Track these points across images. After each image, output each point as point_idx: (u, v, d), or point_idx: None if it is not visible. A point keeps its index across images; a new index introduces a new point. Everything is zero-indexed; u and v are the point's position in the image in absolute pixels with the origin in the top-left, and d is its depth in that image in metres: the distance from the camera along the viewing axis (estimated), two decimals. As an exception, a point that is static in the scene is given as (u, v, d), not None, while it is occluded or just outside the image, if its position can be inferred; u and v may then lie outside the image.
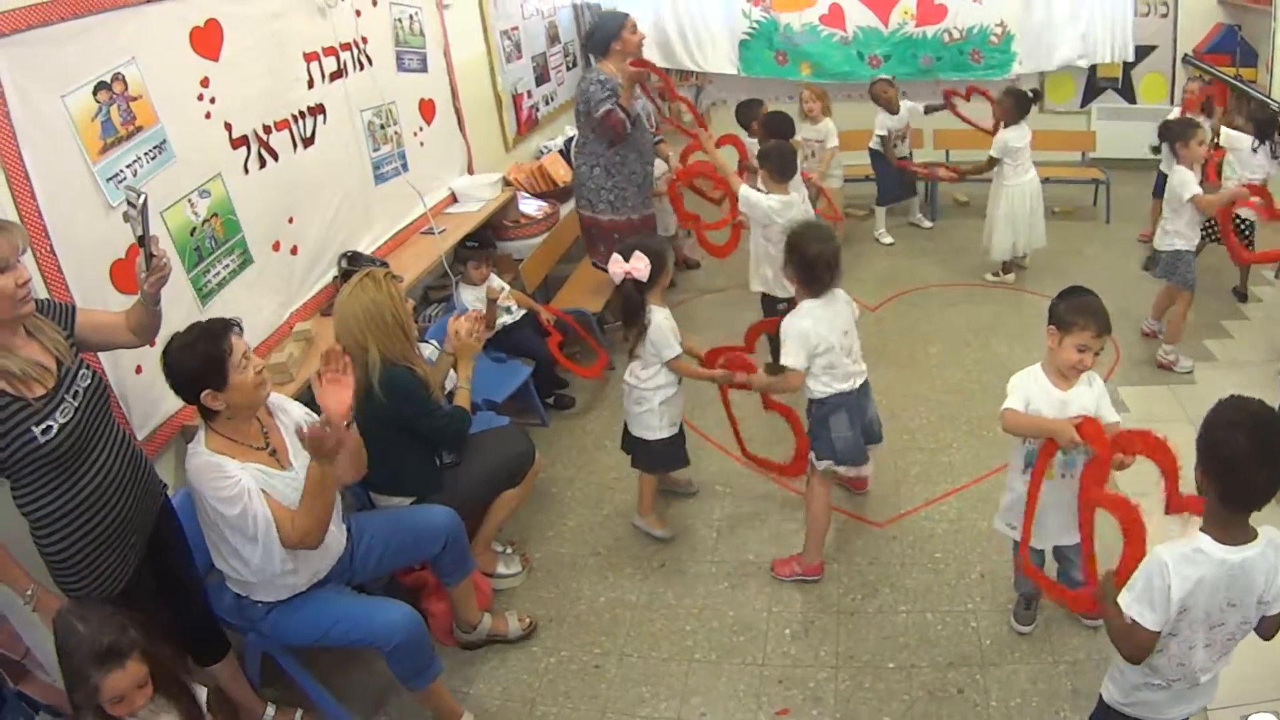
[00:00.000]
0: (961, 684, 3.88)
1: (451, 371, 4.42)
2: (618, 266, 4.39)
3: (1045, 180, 8.68)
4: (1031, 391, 3.60)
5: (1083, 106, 10.68)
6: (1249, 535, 2.57)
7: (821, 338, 4.18)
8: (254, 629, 3.58)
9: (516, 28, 7.97)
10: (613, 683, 3.96)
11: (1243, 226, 6.86)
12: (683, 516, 5.00)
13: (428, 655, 3.55)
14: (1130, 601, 2.64)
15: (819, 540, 4.53)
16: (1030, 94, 7.94)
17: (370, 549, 3.80)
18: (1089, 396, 3.61)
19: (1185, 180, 5.99)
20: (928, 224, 9.24)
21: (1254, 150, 6.89)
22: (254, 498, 3.21)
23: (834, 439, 4.32)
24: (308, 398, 4.25)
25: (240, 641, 3.77)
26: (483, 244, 5.84)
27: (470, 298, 5.65)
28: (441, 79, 6.60)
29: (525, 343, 5.81)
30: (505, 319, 5.76)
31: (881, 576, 4.51)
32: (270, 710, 3.81)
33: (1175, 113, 7.67)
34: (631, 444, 4.78)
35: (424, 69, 6.34)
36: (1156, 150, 6.85)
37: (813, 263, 4.20)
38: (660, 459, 4.78)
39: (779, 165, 5.61)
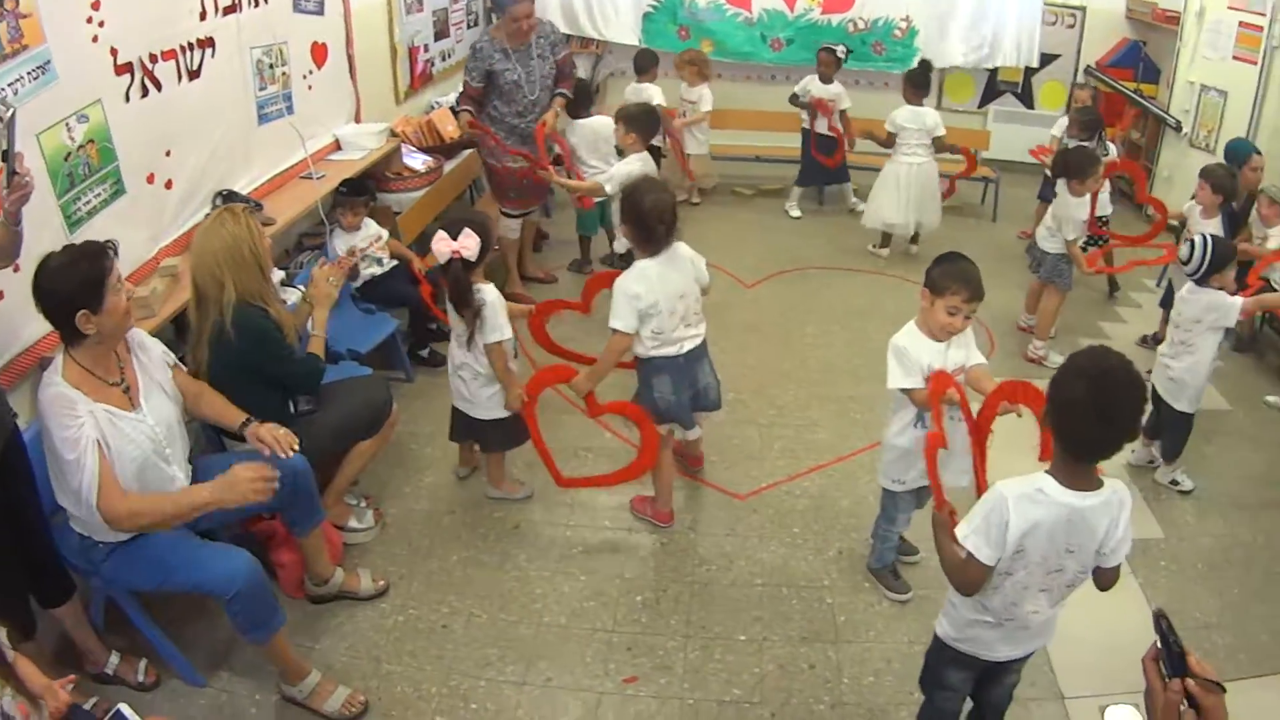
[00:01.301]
0: (814, 660, 3.87)
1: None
2: (443, 245, 4.13)
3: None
4: (919, 352, 3.68)
5: (981, 107, 10.87)
6: (1094, 484, 2.59)
7: (653, 301, 4.13)
8: (96, 572, 3.39)
9: None
10: (460, 643, 3.86)
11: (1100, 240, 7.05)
12: (539, 479, 4.83)
13: (269, 607, 3.39)
14: (968, 533, 2.66)
15: (666, 492, 4.63)
16: (923, 65, 8.19)
17: (216, 494, 3.67)
18: (962, 350, 3.76)
19: (1076, 221, 6.11)
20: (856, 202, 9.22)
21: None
22: (89, 452, 3.07)
23: (655, 398, 4.34)
24: (168, 336, 4.14)
25: (86, 586, 3.61)
26: (357, 191, 5.64)
27: (343, 245, 5.49)
28: (337, 23, 6.41)
29: (397, 291, 5.65)
30: (375, 270, 5.62)
31: (739, 549, 4.48)
32: (114, 658, 3.62)
33: (1063, 122, 7.83)
34: (479, 429, 4.62)
35: (321, 12, 6.14)
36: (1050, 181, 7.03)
37: (646, 215, 4.10)
38: (515, 433, 4.60)
39: (645, 128, 5.69)
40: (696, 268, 4.34)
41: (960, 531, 2.69)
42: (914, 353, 3.70)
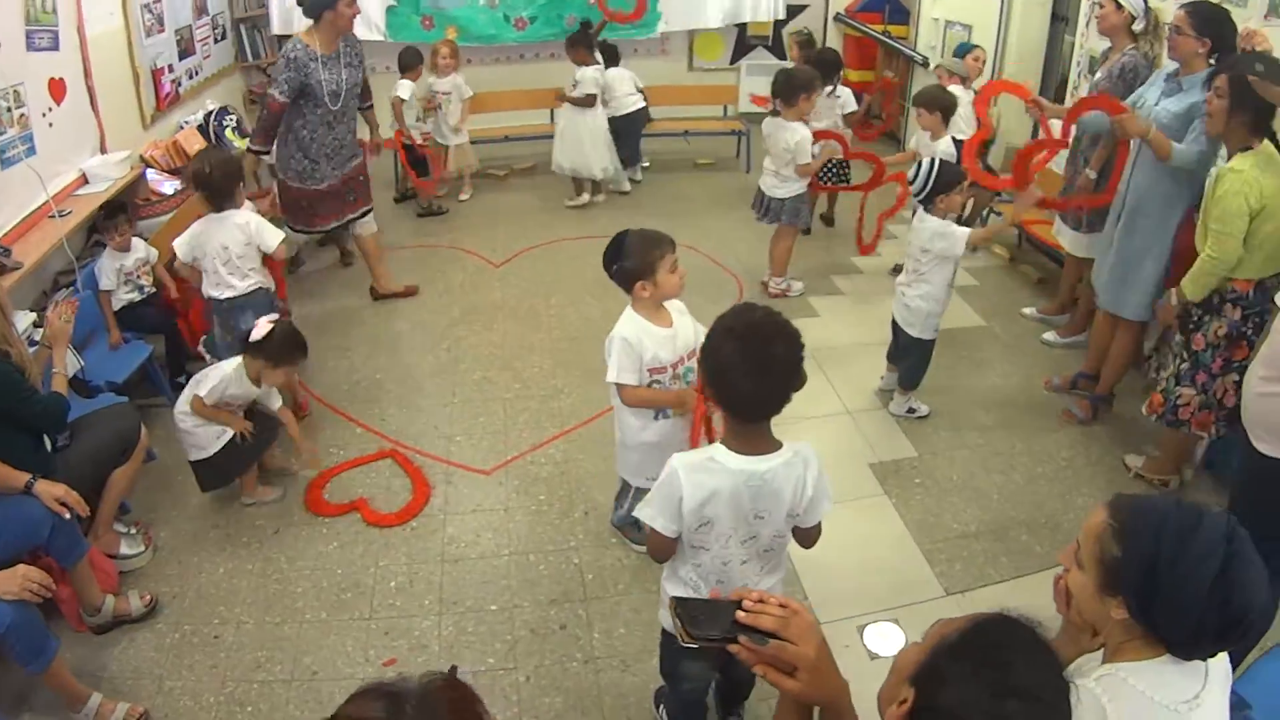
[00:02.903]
0: (564, 620, 3.99)
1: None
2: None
3: (685, 133, 9.23)
4: (644, 343, 3.64)
5: (733, 63, 11.12)
6: (770, 446, 2.54)
7: (201, 248, 5.05)
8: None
9: (159, 0, 7.45)
10: (231, 650, 3.87)
11: (835, 165, 7.30)
12: (298, 481, 4.93)
13: (41, 636, 3.37)
14: (643, 506, 2.65)
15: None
16: (584, 25, 8.67)
17: (-18, 541, 3.54)
18: (689, 323, 3.75)
19: (804, 140, 6.33)
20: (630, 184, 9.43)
21: (825, 95, 7.33)
22: None
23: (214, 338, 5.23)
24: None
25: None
26: (113, 212, 5.54)
27: (113, 266, 5.41)
28: (73, 56, 6.13)
29: (153, 318, 5.58)
30: (133, 296, 5.52)
31: (485, 523, 4.58)
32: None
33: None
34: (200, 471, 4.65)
35: (55, 47, 5.87)
36: (776, 113, 7.27)
37: (209, 179, 5.00)
38: (231, 462, 4.64)
39: (209, 185, 5.14)
40: (244, 229, 5.07)
41: (640, 507, 2.67)
42: (637, 345, 3.64)
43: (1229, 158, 4.17)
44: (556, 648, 3.89)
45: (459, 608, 4.09)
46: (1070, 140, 5.61)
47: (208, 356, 5.19)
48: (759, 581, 2.76)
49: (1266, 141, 4.07)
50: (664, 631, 3.08)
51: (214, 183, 5.00)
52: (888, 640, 3.87)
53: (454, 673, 1.82)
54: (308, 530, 4.59)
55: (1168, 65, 4.96)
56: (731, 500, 2.55)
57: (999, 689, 1.49)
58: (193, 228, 5.07)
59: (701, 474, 2.54)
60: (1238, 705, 3.08)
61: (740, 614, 1.79)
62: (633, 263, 3.60)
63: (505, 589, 4.19)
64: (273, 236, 5.14)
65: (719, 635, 1.80)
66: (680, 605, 1.89)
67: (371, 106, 6.78)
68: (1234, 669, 3.15)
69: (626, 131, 9.10)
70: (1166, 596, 1.80)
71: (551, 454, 5.11)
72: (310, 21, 6.04)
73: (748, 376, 2.39)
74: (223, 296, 5.06)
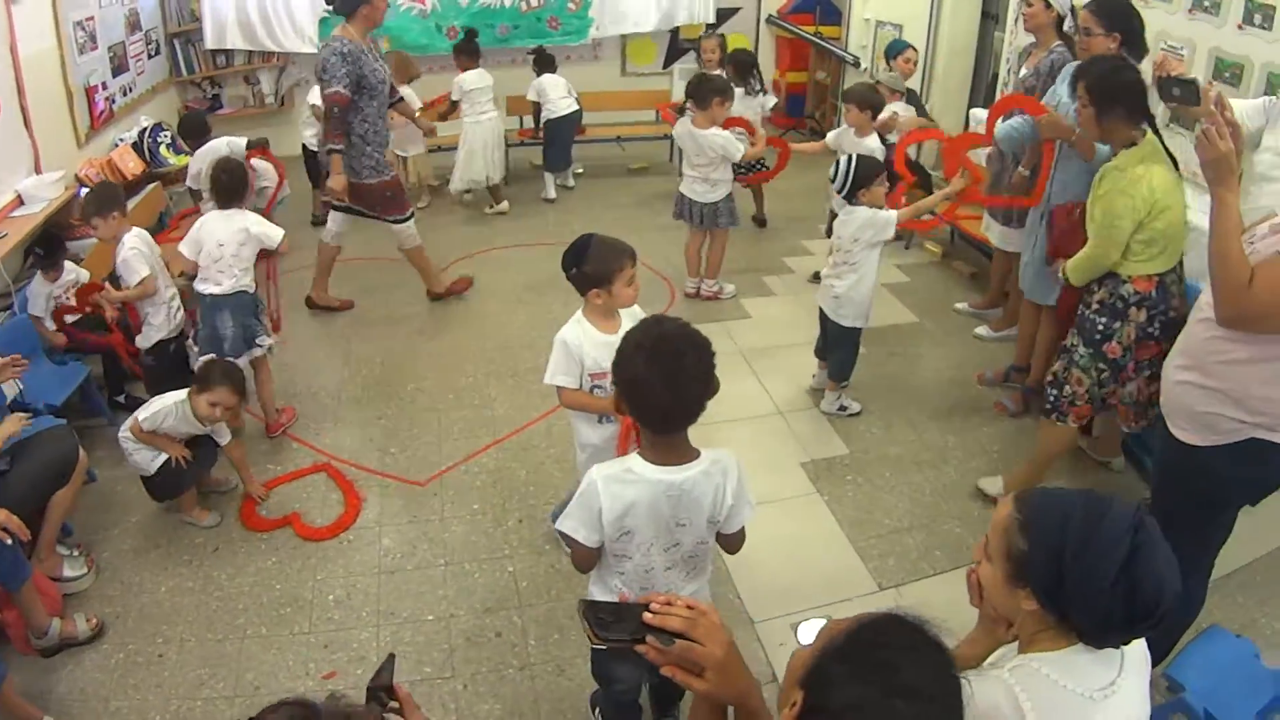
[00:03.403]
0: (500, 627, 4.03)
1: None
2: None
3: (618, 139, 9.26)
4: (584, 348, 3.64)
5: (666, 67, 11.17)
6: (688, 456, 2.56)
7: (198, 240, 5.13)
8: None
9: (92, 17, 7.41)
10: (174, 669, 3.87)
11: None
12: (234, 498, 4.94)
13: None
14: (564, 519, 2.65)
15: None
16: (465, 35, 8.74)
17: (-76, 568, 3.51)
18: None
19: (728, 137, 6.38)
20: (559, 190, 9.46)
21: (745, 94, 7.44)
22: None
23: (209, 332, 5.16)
24: None
25: None
26: (50, 250, 5.51)
27: (43, 292, 5.42)
28: (6, 75, 6.11)
29: (88, 340, 5.52)
30: (68, 316, 5.48)
31: (421, 534, 4.61)
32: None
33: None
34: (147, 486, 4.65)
35: None
36: (682, 111, 7.26)
37: (221, 181, 5.27)
38: (171, 482, 4.63)
39: (104, 203, 5.17)
40: (245, 230, 5.18)
41: (561, 519, 2.68)
42: (577, 349, 3.64)
43: (1113, 155, 4.18)
44: (493, 655, 3.92)
45: (396, 618, 4.12)
46: (994, 136, 5.68)
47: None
48: (683, 587, 2.78)
49: (1150, 135, 4.07)
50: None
51: (223, 185, 5.28)
52: (823, 637, 3.91)
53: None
54: (246, 546, 4.59)
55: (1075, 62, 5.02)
56: (650, 510, 2.57)
57: (886, 689, 1.49)
58: (194, 230, 5.24)
59: (618, 485, 2.55)
60: (1172, 687, 3.17)
61: (647, 615, 1.80)
62: (592, 269, 3.59)
63: (441, 598, 4.22)
64: (275, 231, 5.32)
65: (627, 637, 1.81)
66: (588, 608, 1.89)
67: (402, 99, 6.92)
68: (1166, 653, 3.26)
69: (558, 135, 9.14)
70: (1072, 588, 1.82)
71: (484, 463, 5.13)
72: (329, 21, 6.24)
73: (659, 389, 2.40)
74: (207, 292, 5.13)
